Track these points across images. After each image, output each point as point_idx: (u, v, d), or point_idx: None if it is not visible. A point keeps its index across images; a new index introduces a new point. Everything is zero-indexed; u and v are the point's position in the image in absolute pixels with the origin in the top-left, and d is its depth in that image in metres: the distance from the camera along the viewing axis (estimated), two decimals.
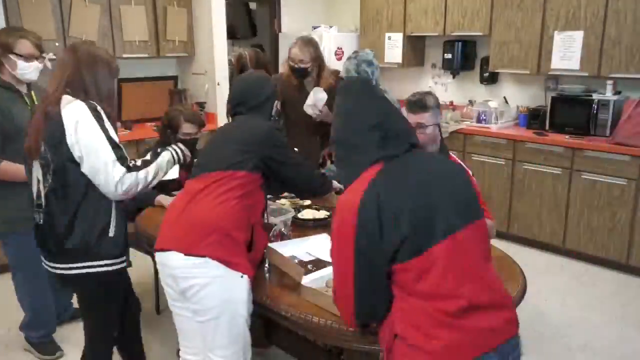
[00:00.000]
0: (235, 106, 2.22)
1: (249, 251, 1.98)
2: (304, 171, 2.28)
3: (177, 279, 1.94)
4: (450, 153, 2.71)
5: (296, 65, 3.16)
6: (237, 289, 1.91)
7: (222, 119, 4.91)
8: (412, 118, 2.52)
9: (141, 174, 2.05)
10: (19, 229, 2.60)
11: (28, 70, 2.52)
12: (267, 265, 2.08)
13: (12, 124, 2.48)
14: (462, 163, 2.57)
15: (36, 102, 2.62)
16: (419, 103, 2.48)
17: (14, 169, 2.46)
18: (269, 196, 2.80)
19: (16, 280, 2.84)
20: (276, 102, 2.31)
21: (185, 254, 1.89)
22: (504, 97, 4.87)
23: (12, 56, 2.49)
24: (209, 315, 1.93)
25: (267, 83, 2.28)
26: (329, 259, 2.10)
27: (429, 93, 2.56)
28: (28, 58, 2.52)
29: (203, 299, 1.91)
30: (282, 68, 3.41)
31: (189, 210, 1.96)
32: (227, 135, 2.19)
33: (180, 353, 2.25)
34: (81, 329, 2.40)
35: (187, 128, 3.01)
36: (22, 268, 2.77)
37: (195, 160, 2.31)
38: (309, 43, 3.21)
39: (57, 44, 4.03)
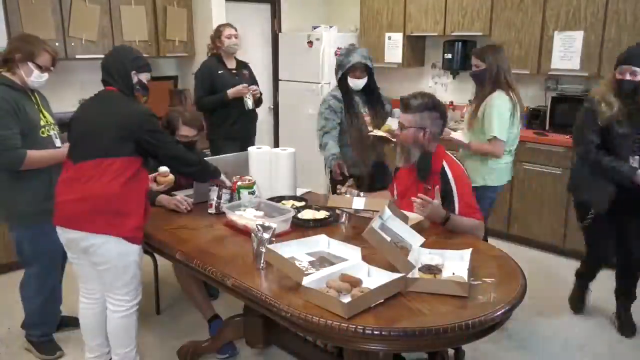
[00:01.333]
0: (103, 77, 2.44)
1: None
2: (180, 152, 2.53)
3: (77, 240, 2.34)
4: (448, 154, 2.66)
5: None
6: (129, 246, 2.36)
7: None
8: (402, 117, 2.54)
9: None
10: (30, 223, 2.66)
11: (40, 80, 2.65)
12: (262, 263, 2.08)
13: (27, 122, 2.60)
14: (447, 167, 2.50)
15: (40, 103, 2.75)
16: (402, 102, 2.52)
17: (40, 154, 2.62)
18: (271, 196, 2.82)
19: (27, 276, 2.84)
20: (142, 74, 2.44)
21: (85, 232, 2.31)
22: None
23: (30, 64, 2.60)
24: (107, 265, 2.36)
25: (128, 54, 2.46)
26: (329, 259, 2.11)
27: (423, 95, 2.52)
28: (44, 69, 2.65)
29: (101, 254, 2.33)
30: None
31: (83, 194, 2.29)
32: (102, 119, 2.33)
33: (80, 296, 2.59)
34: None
35: (184, 130, 3.02)
36: (36, 263, 2.78)
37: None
38: None
39: (57, 44, 4.03)
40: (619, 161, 2.82)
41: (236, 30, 4.14)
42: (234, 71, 4.16)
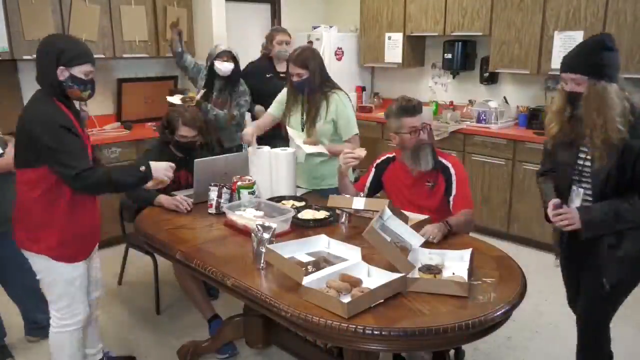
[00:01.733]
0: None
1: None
2: (69, 163, 2.10)
3: None
4: (443, 151, 2.72)
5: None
6: (52, 263, 2.23)
7: None
8: (414, 121, 2.54)
9: None
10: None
11: None
12: (262, 263, 2.08)
13: None
14: (442, 159, 2.61)
15: None
16: (411, 107, 2.56)
17: None
18: (271, 196, 2.82)
19: None
20: (76, 68, 2.12)
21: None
22: (504, 97, 4.86)
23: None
24: (38, 276, 2.31)
25: (51, 47, 2.12)
26: (329, 259, 2.11)
27: (409, 97, 2.63)
28: None
29: (32, 266, 2.29)
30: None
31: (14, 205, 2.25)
32: (18, 126, 2.16)
33: None
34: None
35: (184, 131, 3.02)
36: None
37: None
38: None
39: None
40: (549, 185, 2.30)
41: (290, 36, 4.10)
42: (282, 75, 3.99)
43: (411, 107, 2.55)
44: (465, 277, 1.91)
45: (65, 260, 2.25)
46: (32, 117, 2.12)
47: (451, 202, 2.56)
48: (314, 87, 2.95)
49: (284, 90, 3.14)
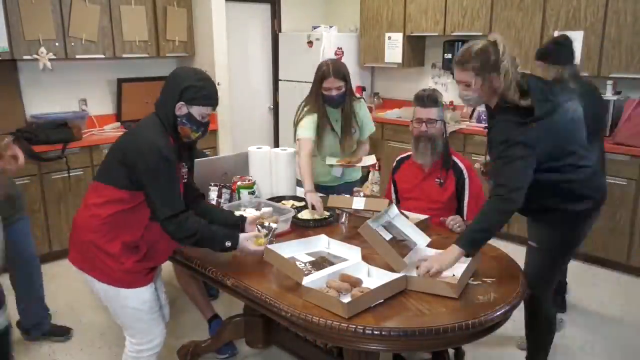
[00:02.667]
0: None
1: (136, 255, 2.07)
2: (166, 201, 1.99)
3: None
4: (453, 150, 2.75)
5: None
6: (119, 290, 2.08)
7: (222, 119, 4.92)
8: (423, 112, 2.59)
9: None
10: None
11: None
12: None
13: None
14: (458, 161, 2.65)
15: None
16: (432, 97, 2.59)
17: None
18: (271, 196, 2.82)
19: None
20: (196, 107, 2.01)
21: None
22: None
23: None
24: (104, 302, 2.17)
25: (181, 80, 2.00)
26: (329, 259, 2.11)
27: (433, 90, 2.67)
28: None
29: (95, 291, 2.14)
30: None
31: (75, 220, 2.13)
32: (118, 141, 2.09)
33: None
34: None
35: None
36: None
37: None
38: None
39: (57, 44, 4.03)
40: None
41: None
42: None
43: (421, 98, 2.61)
44: (463, 277, 1.91)
45: (135, 285, 2.10)
46: (139, 140, 2.00)
47: (465, 208, 2.59)
48: (349, 97, 2.92)
49: (310, 115, 2.90)
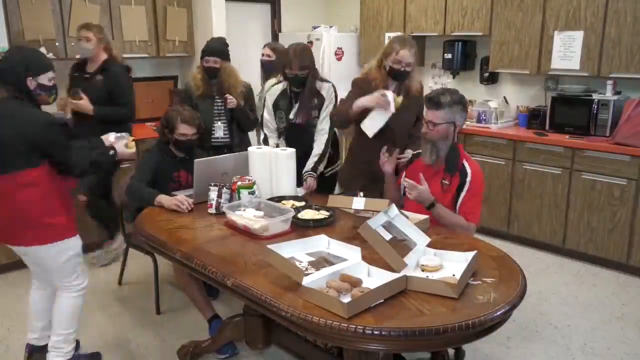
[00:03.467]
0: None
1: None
2: (80, 154, 2.42)
3: (15, 250, 2.50)
4: (466, 153, 2.72)
5: (402, 69, 2.91)
6: (62, 244, 2.44)
7: None
8: (427, 114, 2.59)
9: None
10: None
11: None
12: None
13: None
14: (467, 165, 2.61)
15: None
16: (435, 99, 2.56)
17: None
18: (271, 196, 2.82)
19: None
20: (41, 76, 2.33)
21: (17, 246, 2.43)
22: (504, 97, 4.87)
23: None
24: (49, 265, 2.49)
25: (19, 59, 2.32)
26: (329, 259, 2.11)
27: (449, 91, 2.61)
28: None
29: (40, 261, 2.49)
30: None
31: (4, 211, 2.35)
32: (5, 131, 2.26)
33: (32, 279, 2.74)
34: None
35: (183, 129, 3.03)
36: None
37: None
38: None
39: (57, 44, 4.03)
40: None
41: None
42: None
43: (428, 99, 2.59)
44: (462, 276, 1.91)
45: (70, 235, 2.47)
46: (31, 121, 2.30)
47: (458, 205, 2.58)
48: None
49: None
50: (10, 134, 2.25)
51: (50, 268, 2.49)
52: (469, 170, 2.60)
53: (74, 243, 2.51)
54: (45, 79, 2.36)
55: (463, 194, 2.57)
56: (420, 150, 2.71)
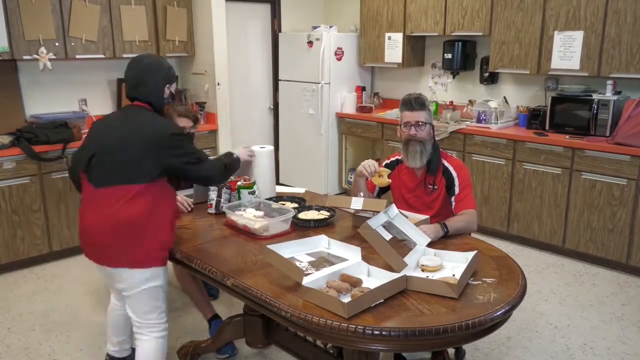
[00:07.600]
0: (130, 90, 2.26)
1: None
2: (206, 166, 2.28)
3: (102, 270, 2.27)
4: (447, 152, 2.75)
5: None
6: (153, 271, 2.22)
7: (222, 119, 4.92)
8: (411, 116, 2.59)
9: None
10: None
11: None
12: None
13: None
14: (447, 164, 2.63)
15: None
16: (420, 100, 2.59)
17: None
18: (272, 196, 2.82)
19: None
20: (173, 85, 2.36)
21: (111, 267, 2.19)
22: (504, 97, 4.86)
23: None
24: (133, 291, 2.22)
25: (160, 67, 2.30)
26: (329, 259, 2.11)
27: (419, 94, 2.67)
28: None
29: (129, 285, 2.21)
30: None
31: (109, 223, 2.13)
32: (125, 139, 2.13)
33: (111, 296, 2.59)
34: None
35: (182, 122, 3.04)
36: None
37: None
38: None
39: (57, 44, 4.03)
40: None
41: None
42: None
43: (409, 101, 2.61)
44: (462, 277, 1.91)
45: (162, 263, 2.26)
46: (159, 134, 2.15)
47: (453, 203, 2.58)
48: None
49: None
50: (135, 145, 2.11)
51: (134, 295, 2.23)
52: (451, 168, 2.63)
53: (163, 273, 2.27)
54: (174, 88, 2.39)
55: (456, 190, 2.61)
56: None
